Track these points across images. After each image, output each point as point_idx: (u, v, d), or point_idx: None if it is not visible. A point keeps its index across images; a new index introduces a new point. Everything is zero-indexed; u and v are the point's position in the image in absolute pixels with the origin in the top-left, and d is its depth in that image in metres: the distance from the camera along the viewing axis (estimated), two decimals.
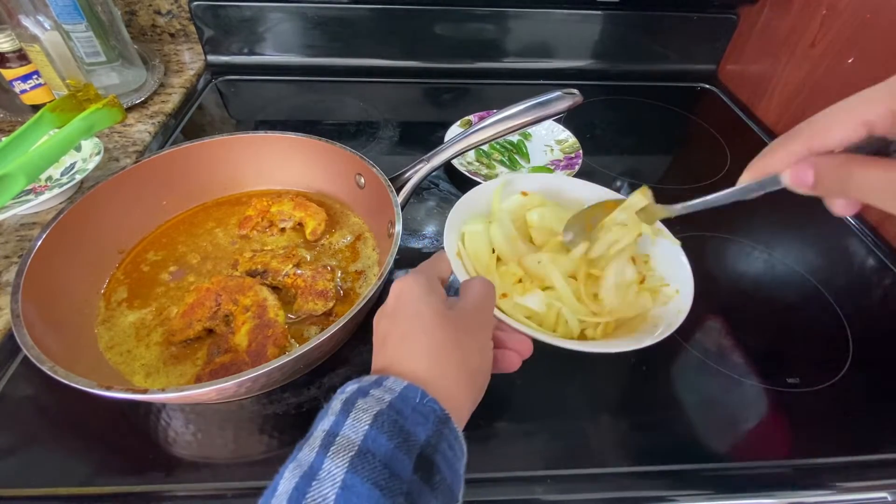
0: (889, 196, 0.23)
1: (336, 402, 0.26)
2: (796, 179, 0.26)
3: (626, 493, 0.39)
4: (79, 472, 0.38)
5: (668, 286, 0.45)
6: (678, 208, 0.38)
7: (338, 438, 0.23)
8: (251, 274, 0.50)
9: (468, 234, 0.48)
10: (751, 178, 0.29)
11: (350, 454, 0.22)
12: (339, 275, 0.51)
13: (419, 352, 0.28)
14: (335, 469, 0.21)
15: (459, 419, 0.27)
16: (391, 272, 0.42)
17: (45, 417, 0.41)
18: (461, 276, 0.42)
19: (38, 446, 0.39)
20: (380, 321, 0.31)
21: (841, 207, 0.26)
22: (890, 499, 0.40)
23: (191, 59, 0.91)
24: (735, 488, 0.40)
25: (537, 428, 0.42)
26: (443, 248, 0.44)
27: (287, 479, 0.22)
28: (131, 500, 0.37)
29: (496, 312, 0.39)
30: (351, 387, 0.26)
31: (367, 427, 0.23)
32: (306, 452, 0.23)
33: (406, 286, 0.31)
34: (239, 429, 0.41)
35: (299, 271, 0.49)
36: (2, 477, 0.37)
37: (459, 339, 0.29)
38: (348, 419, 0.24)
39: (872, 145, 0.24)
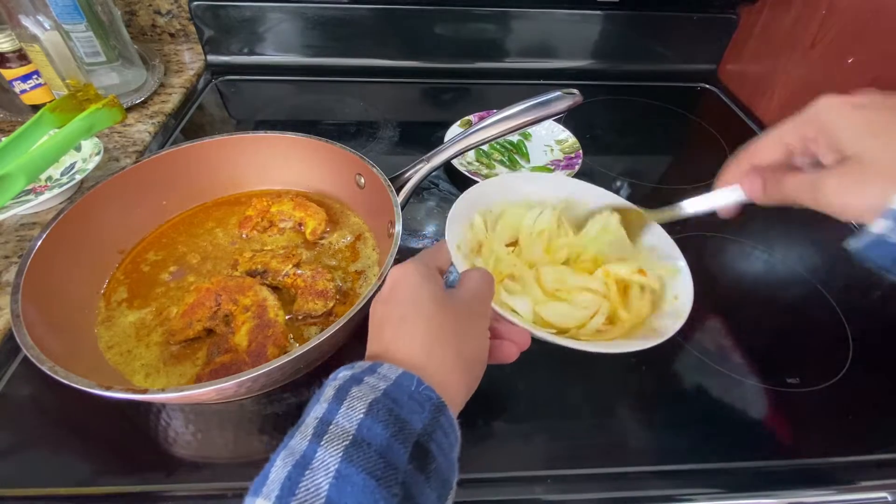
0: (802, 193, 0.31)
1: (328, 389, 0.25)
2: (749, 187, 0.35)
3: (626, 493, 0.39)
4: (79, 472, 0.38)
5: (676, 299, 0.44)
6: (664, 215, 0.43)
7: (331, 427, 0.22)
8: (251, 274, 0.50)
9: (513, 210, 0.50)
10: (718, 188, 0.37)
11: (344, 443, 0.22)
12: (339, 275, 0.51)
13: (415, 338, 0.28)
14: (329, 458, 0.21)
15: (454, 407, 0.27)
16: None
17: (45, 417, 0.41)
18: (460, 268, 0.42)
19: (38, 446, 0.39)
20: (376, 307, 0.31)
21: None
22: (890, 499, 0.40)
23: (191, 59, 0.91)
24: (735, 488, 0.40)
25: (537, 428, 0.42)
26: (443, 238, 0.43)
27: (279, 468, 0.21)
28: (131, 500, 0.37)
29: (495, 307, 0.39)
30: (344, 373, 0.26)
31: (361, 416, 0.23)
32: (298, 440, 0.23)
33: (403, 273, 0.31)
34: (239, 429, 0.41)
35: (299, 271, 0.49)
36: (2, 477, 0.37)
37: (456, 327, 0.29)
38: (342, 407, 0.23)
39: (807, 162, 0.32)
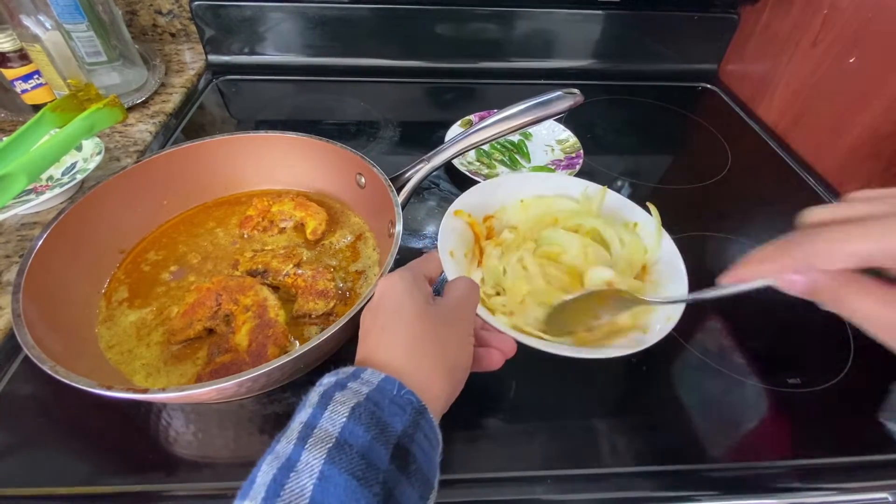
0: (879, 327, 0.24)
1: (314, 395, 0.26)
2: (788, 285, 0.27)
3: (626, 493, 0.39)
4: (79, 472, 0.38)
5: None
6: (660, 300, 0.39)
7: (315, 430, 0.23)
8: (252, 274, 0.50)
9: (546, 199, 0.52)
10: (742, 278, 0.29)
11: (328, 446, 0.22)
12: (340, 275, 0.51)
13: (397, 344, 0.29)
14: (313, 460, 0.22)
15: (435, 411, 0.27)
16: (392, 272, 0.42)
17: (46, 417, 0.41)
18: (450, 275, 0.42)
19: (38, 446, 0.39)
20: (365, 315, 0.32)
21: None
22: (890, 499, 0.40)
23: (192, 58, 0.91)
24: (735, 488, 0.40)
25: (537, 428, 0.42)
26: (435, 248, 0.44)
27: (265, 472, 0.22)
28: (131, 500, 0.37)
29: (484, 315, 0.40)
30: (328, 379, 0.27)
31: (344, 419, 0.24)
32: (284, 444, 0.23)
33: (390, 284, 0.32)
34: (239, 429, 0.41)
35: (300, 271, 0.49)
36: (2, 477, 0.37)
37: (438, 333, 0.30)
38: (326, 412, 0.24)
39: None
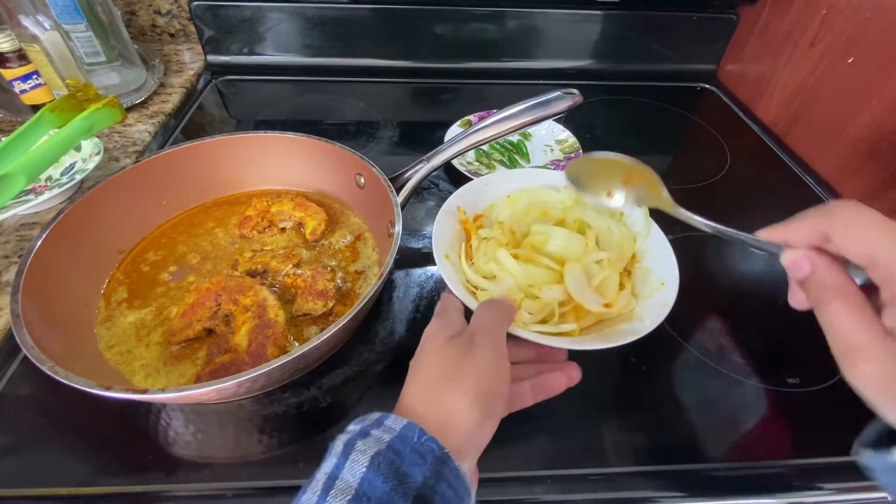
0: (840, 335, 0.25)
1: (339, 443, 0.26)
2: (793, 265, 0.28)
3: (626, 493, 0.39)
4: (79, 472, 0.38)
5: (661, 287, 0.44)
6: (683, 213, 0.38)
7: (337, 482, 0.23)
8: (251, 274, 0.50)
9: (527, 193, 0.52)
10: (767, 237, 0.30)
11: (347, 498, 0.22)
12: (340, 275, 0.51)
13: (417, 388, 0.30)
14: None
15: (462, 451, 0.27)
16: (391, 272, 0.42)
17: (45, 417, 0.41)
18: (448, 279, 0.42)
19: (38, 446, 0.39)
20: (410, 364, 0.33)
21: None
22: (890, 499, 0.40)
23: (191, 58, 0.91)
24: (735, 488, 0.40)
25: (537, 428, 0.42)
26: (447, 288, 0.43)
27: None
28: (131, 500, 0.37)
29: (519, 332, 0.38)
30: (354, 427, 0.27)
31: (364, 469, 0.24)
32: (309, 496, 0.24)
33: (427, 331, 0.33)
34: (239, 429, 0.41)
35: (299, 271, 0.49)
36: (2, 477, 0.37)
37: (457, 367, 0.29)
38: (347, 461, 0.24)
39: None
